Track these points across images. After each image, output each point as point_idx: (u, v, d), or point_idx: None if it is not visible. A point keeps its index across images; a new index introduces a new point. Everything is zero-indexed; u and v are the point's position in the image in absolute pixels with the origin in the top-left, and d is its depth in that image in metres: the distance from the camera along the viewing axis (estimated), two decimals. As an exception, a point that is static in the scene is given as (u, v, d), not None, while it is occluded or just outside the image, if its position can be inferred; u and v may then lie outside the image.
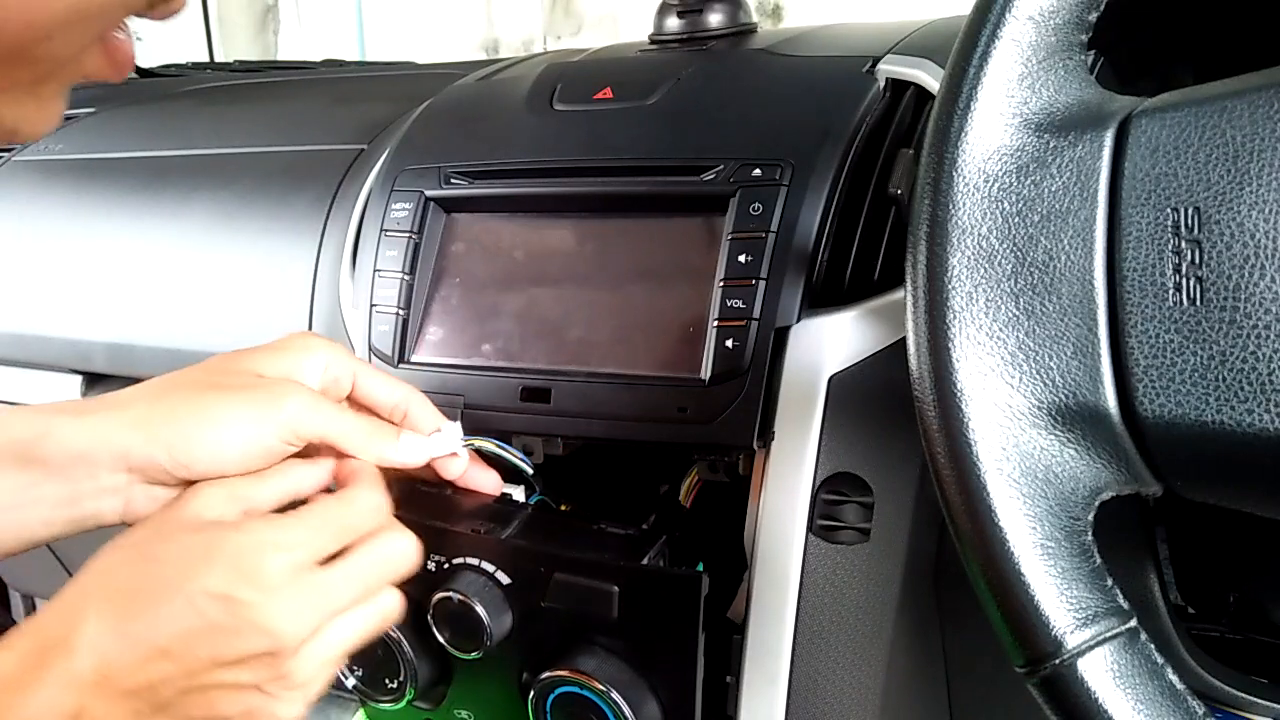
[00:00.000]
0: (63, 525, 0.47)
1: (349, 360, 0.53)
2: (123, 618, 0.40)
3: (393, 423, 0.53)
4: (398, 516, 0.52)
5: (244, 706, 0.42)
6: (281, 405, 0.47)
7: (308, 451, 0.49)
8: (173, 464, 0.46)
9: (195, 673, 0.40)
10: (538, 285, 0.58)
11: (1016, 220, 0.36)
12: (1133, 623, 0.34)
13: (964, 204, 0.36)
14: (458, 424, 0.54)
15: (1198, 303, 0.33)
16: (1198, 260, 0.33)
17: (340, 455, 0.50)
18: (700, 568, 0.51)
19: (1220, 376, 0.33)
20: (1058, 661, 0.33)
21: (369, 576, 0.45)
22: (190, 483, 0.47)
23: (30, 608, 0.78)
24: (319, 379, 0.52)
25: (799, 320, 0.51)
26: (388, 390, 0.54)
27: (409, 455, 0.52)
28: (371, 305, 0.61)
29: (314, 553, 0.43)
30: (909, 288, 0.37)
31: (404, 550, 0.46)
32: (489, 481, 0.56)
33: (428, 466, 0.54)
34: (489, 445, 0.55)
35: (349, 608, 0.44)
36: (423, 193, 0.62)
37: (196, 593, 0.40)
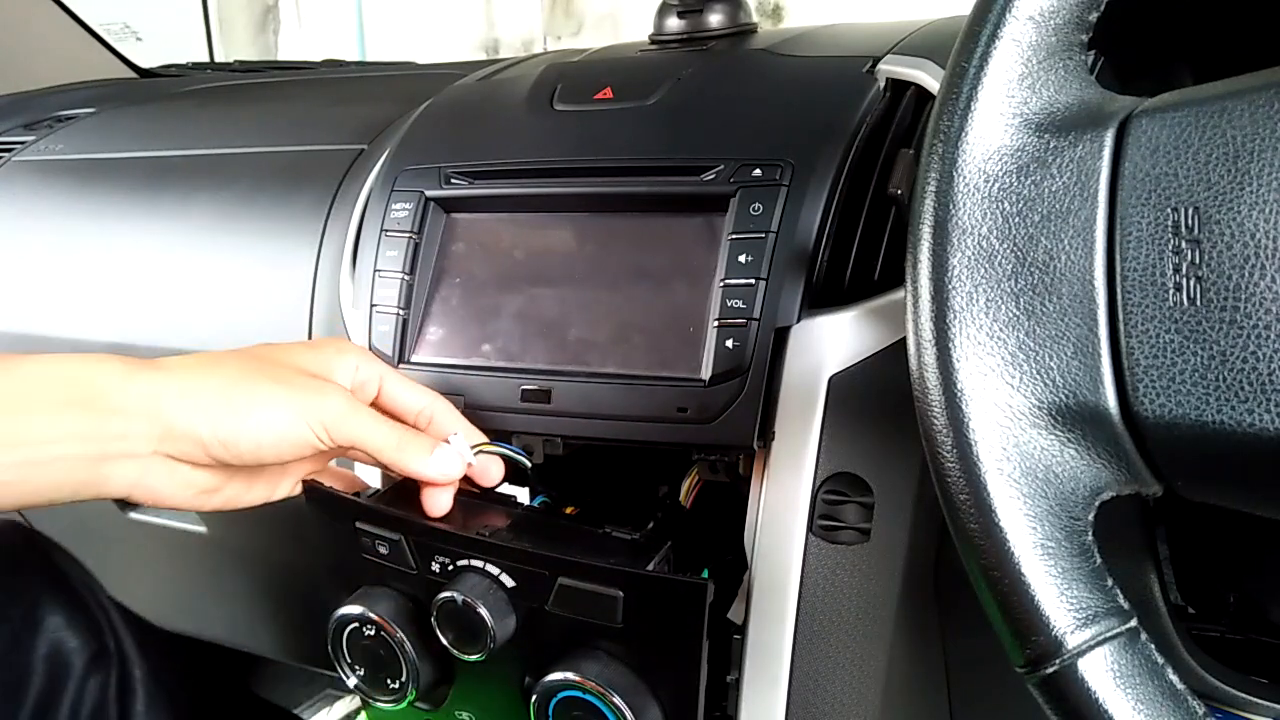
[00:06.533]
0: (73, 487, 0.46)
1: (377, 365, 0.55)
2: None
3: (418, 428, 0.54)
4: (403, 518, 0.52)
5: None
6: (323, 403, 0.49)
7: (335, 453, 0.50)
8: (213, 440, 0.47)
9: None
10: (538, 285, 0.58)
11: (1017, 220, 0.36)
12: (1133, 623, 0.34)
13: (964, 204, 0.36)
14: (461, 433, 0.54)
15: (1198, 303, 0.33)
16: (1198, 260, 0.33)
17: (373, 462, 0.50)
18: (705, 574, 0.51)
19: (1220, 376, 0.33)
20: (1058, 661, 0.33)
21: None
22: (219, 465, 0.48)
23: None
24: (350, 380, 0.53)
25: (799, 320, 0.51)
26: (413, 396, 0.55)
27: (442, 469, 0.52)
28: (372, 305, 0.61)
29: None
30: (909, 288, 0.37)
31: None
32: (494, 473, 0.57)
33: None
34: (494, 448, 0.55)
35: None
36: (423, 193, 0.62)
37: None
